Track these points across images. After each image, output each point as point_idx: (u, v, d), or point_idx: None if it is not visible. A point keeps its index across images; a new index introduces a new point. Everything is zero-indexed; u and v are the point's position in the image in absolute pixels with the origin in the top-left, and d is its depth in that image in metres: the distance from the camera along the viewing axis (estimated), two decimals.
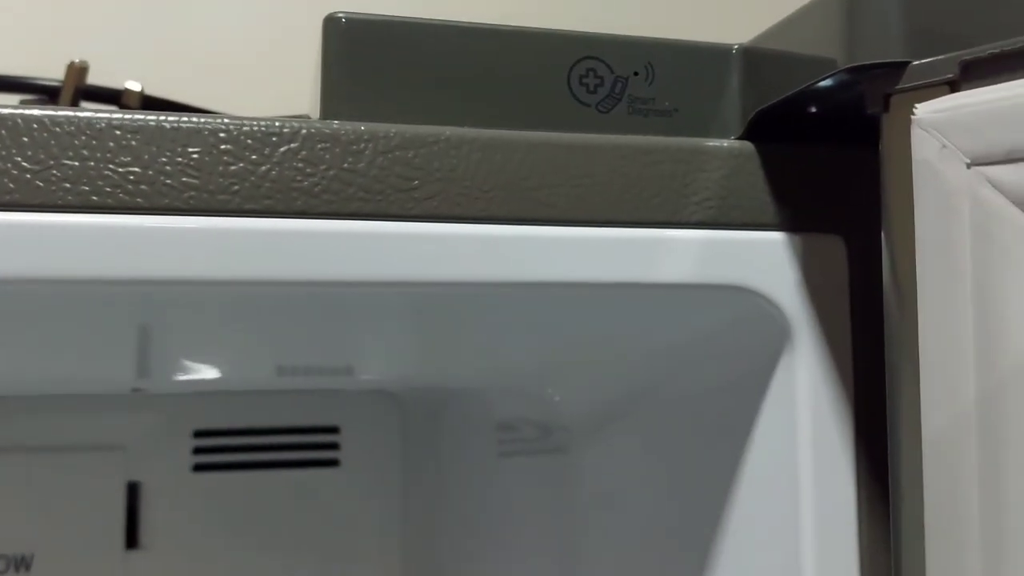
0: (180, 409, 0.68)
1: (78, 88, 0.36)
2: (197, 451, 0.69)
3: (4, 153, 0.23)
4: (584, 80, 0.27)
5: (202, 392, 0.68)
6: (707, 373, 0.32)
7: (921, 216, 0.21)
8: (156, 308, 0.29)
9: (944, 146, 0.20)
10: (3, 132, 0.23)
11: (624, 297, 0.28)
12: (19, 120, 0.23)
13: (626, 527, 0.40)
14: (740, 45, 0.29)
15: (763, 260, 0.27)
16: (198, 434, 0.69)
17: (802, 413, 0.28)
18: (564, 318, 0.31)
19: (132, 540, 0.67)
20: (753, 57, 0.29)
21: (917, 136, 0.21)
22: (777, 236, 0.28)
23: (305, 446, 0.71)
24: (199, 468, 0.69)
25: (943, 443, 0.19)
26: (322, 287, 0.24)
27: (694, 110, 0.28)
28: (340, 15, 0.26)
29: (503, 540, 0.59)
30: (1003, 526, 0.19)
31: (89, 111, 0.23)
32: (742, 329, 0.29)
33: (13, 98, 0.38)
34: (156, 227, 0.23)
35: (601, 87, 0.28)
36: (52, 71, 0.40)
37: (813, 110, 0.27)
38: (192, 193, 0.24)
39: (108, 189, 0.23)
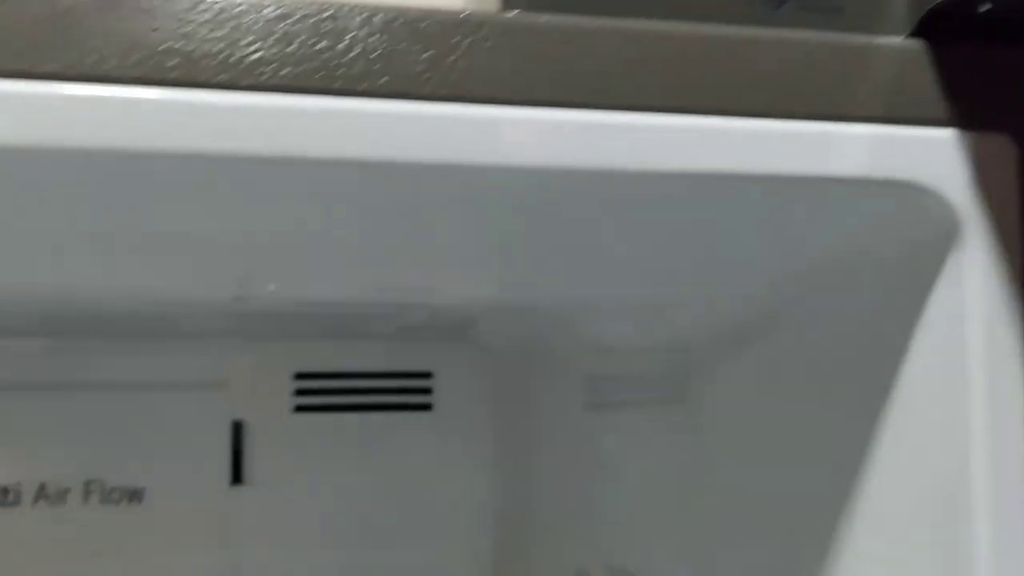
0: (283, 352, 0.70)
1: None
2: (298, 393, 0.71)
3: (216, 35, 0.24)
4: None
5: (303, 336, 0.70)
6: (868, 278, 0.32)
7: None
8: (280, 203, 0.30)
9: None
10: (212, 15, 0.24)
11: (793, 193, 0.28)
12: (225, 4, 0.24)
13: (755, 457, 0.40)
14: None
15: (932, 156, 0.27)
16: (299, 376, 0.71)
17: (972, 316, 0.27)
18: (717, 221, 0.32)
19: (237, 476, 0.69)
20: None
21: None
22: (946, 132, 0.28)
23: (400, 390, 0.73)
24: (300, 409, 0.71)
25: None
26: (506, 173, 0.25)
27: (863, 7, 0.28)
28: None
29: (602, 487, 0.60)
30: None
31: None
32: (907, 228, 0.29)
33: None
34: (352, 109, 0.24)
35: None
36: None
37: (986, 8, 0.27)
38: (386, 78, 0.25)
39: (309, 72, 0.24)
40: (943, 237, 0.28)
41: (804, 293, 0.35)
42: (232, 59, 0.24)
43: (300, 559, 0.69)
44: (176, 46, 0.24)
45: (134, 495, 0.67)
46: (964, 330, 0.28)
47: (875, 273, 0.31)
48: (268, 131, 0.24)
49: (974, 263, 0.28)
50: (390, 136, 0.24)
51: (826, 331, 0.35)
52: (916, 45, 0.28)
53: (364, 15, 0.25)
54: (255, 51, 0.24)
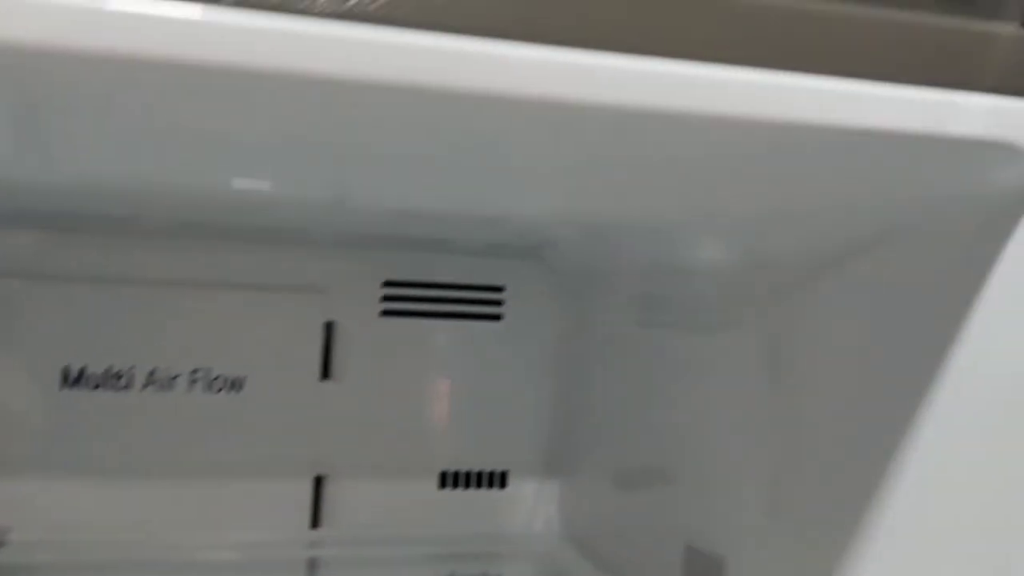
0: (374, 262, 0.77)
1: None
2: (385, 299, 0.78)
3: None
4: None
5: (394, 248, 0.77)
6: (948, 223, 0.39)
7: None
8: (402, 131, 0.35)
9: None
10: None
11: (908, 149, 0.35)
12: None
13: (829, 389, 0.46)
14: None
15: None
16: (387, 284, 0.78)
17: None
18: (830, 164, 0.38)
19: (326, 372, 0.76)
20: None
21: None
22: None
23: (474, 301, 0.80)
24: (386, 313, 0.78)
25: None
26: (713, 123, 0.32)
27: None
28: None
29: (649, 398, 0.67)
30: None
31: None
32: (998, 183, 0.36)
33: None
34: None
35: None
36: None
37: None
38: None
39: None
40: None
41: (892, 230, 0.42)
42: None
43: (378, 448, 0.77)
44: None
45: (235, 384, 0.74)
46: None
47: (964, 220, 0.39)
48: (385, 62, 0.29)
49: None
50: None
51: (911, 266, 0.42)
52: None
53: None
54: None
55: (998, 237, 0.37)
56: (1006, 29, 0.35)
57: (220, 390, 0.73)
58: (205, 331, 0.73)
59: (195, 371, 0.73)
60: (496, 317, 0.79)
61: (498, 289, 0.79)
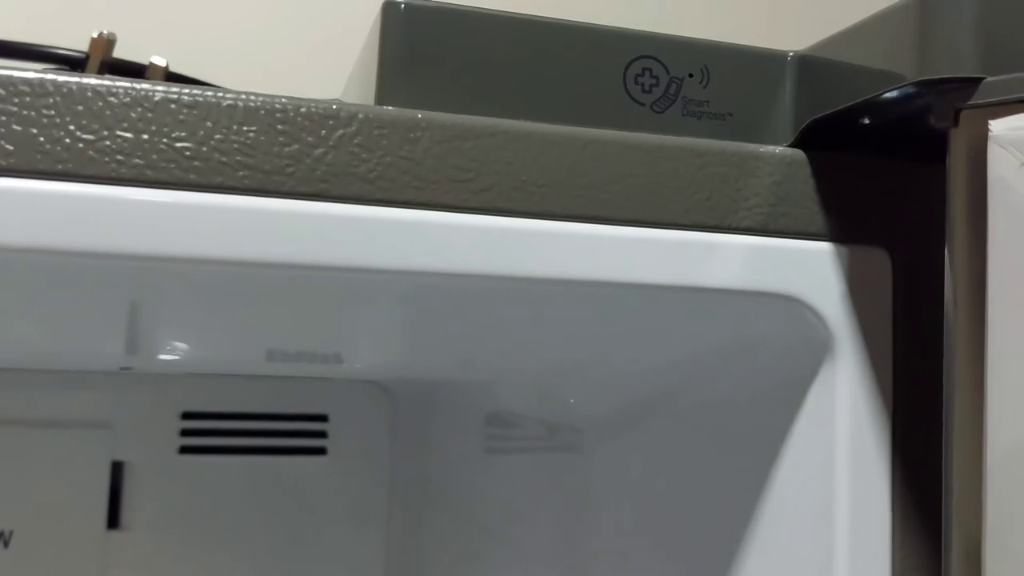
0: (169, 390, 0.67)
1: (104, 61, 0.35)
2: (185, 433, 0.68)
3: (59, 121, 0.22)
4: (640, 79, 0.27)
5: (192, 374, 0.67)
6: (742, 380, 0.32)
7: (995, 230, 0.21)
8: (157, 286, 0.29)
9: (1023, 163, 0.20)
10: (58, 99, 0.22)
11: (667, 300, 0.28)
12: (74, 87, 0.22)
13: (632, 533, 0.40)
14: (795, 52, 0.29)
15: (809, 270, 0.27)
16: (186, 416, 0.68)
17: (840, 426, 0.27)
18: (595, 318, 0.31)
19: (114, 520, 0.66)
20: (808, 65, 0.28)
21: (994, 152, 0.21)
22: (824, 246, 0.28)
23: (293, 433, 0.70)
24: (186, 450, 0.68)
25: (1011, 462, 0.19)
26: (373, 274, 0.24)
27: (747, 115, 0.28)
28: (400, 1, 0.25)
29: (492, 537, 0.59)
30: None
31: (147, 83, 0.23)
32: (782, 338, 0.29)
33: (37, 67, 0.37)
34: (209, 205, 0.23)
35: (656, 87, 0.27)
36: (73, 42, 0.39)
37: (866, 121, 0.27)
38: (246, 172, 0.23)
39: (162, 164, 0.23)
40: (817, 348, 0.28)
41: (694, 382, 0.35)
42: (90, 148, 0.22)
43: None
44: (17, 129, 0.22)
45: (0, 538, 0.63)
46: (833, 437, 0.28)
47: (757, 372, 0.31)
48: (120, 227, 0.22)
49: (844, 375, 0.28)
50: (249, 233, 0.23)
51: (715, 416, 0.34)
52: (798, 155, 0.28)
53: (227, 103, 0.23)
54: (104, 139, 0.22)
55: (788, 410, 0.29)
56: (772, 152, 0.28)
57: None
58: None
59: None
60: (319, 451, 0.69)
61: (321, 418, 0.70)
